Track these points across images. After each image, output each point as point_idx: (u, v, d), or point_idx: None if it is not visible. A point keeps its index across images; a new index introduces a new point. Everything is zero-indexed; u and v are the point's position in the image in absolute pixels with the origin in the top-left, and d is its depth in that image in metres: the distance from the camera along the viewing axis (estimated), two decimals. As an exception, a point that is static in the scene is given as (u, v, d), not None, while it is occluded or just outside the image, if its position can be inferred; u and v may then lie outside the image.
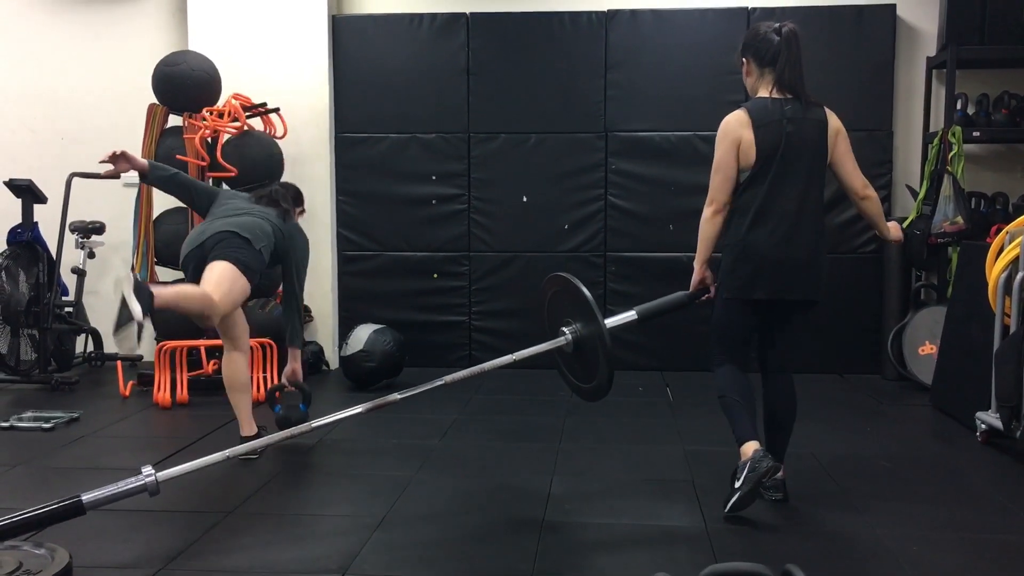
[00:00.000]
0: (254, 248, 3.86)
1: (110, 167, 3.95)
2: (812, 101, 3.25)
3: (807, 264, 3.23)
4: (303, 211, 4.42)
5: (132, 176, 4.20)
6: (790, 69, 3.21)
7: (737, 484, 3.11)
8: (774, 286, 3.21)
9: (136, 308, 3.30)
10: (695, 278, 3.43)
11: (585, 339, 3.21)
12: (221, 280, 3.72)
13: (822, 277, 3.27)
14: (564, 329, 3.29)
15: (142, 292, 3.34)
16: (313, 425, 3.06)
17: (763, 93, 3.28)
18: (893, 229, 3.52)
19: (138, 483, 2.72)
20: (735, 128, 3.23)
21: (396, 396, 3.12)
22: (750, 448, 3.13)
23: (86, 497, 2.66)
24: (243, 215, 3.98)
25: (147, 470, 2.75)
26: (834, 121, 3.30)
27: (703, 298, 3.47)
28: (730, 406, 3.26)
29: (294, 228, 4.17)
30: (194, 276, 3.90)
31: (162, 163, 4.22)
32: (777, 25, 3.23)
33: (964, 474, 3.74)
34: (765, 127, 3.20)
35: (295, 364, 4.22)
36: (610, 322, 3.17)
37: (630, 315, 3.35)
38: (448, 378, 3.22)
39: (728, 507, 3.13)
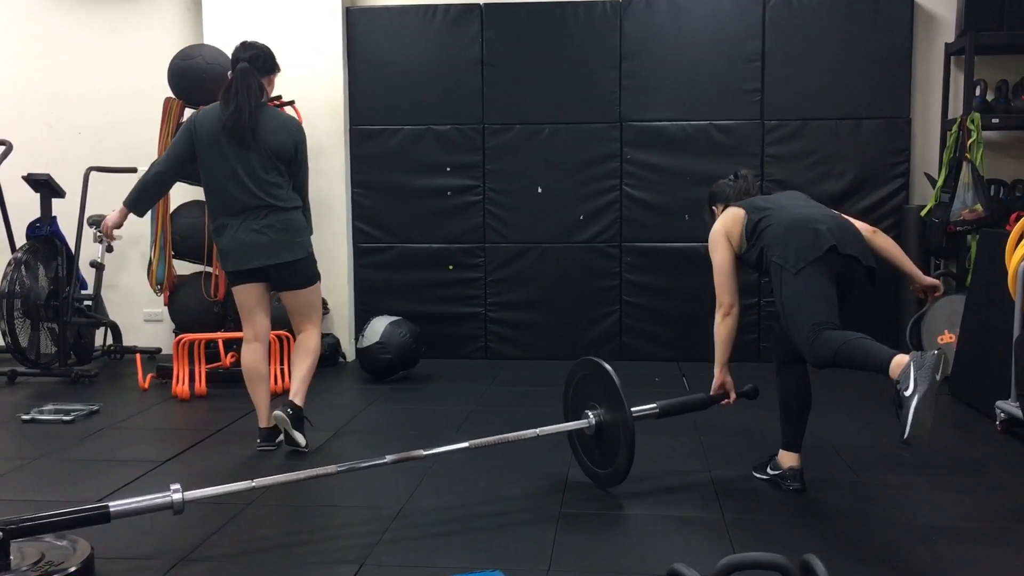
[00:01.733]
0: (311, 256, 4.00)
1: (115, 236, 4.12)
2: None
3: (848, 231, 3.20)
4: (279, 70, 4.01)
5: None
6: (747, 192, 3.56)
7: (908, 391, 2.53)
8: (834, 239, 3.11)
9: (299, 438, 3.85)
10: (716, 382, 3.50)
11: (608, 425, 3.27)
12: (311, 308, 4.06)
13: (867, 247, 3.24)
14: (588, 412, 3.34)
15: (298, 419, 3.89)
16: (338, 470, 3.07)
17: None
18: (930, 279, 3.44)
19: (164, 499, 2.76)
20: (719, 228, 3.41)
21: (421, 452, 3.18)
22: (903, 358, 2.64)
23: (113, 506, 2.69)
24: (271, 212, 3.83)
25: (175, 487, 2.78)
26: None
27: (722, 403, 3.55)
28: (852, 347, 2.87)
29: (306, 146, 3.99)
30: (240, 282, 3.93)
31: (136, 184, 3.98)
32: (731, 176, 3.63)
33: (984, 463, 3.71)
34: (746, 201, 3.44)
35: None
36: (634, 412, 3.22)
37: (652, 408, 3.44)
38: (472, 443, 3.27)
39: (908, 429, 2.51)
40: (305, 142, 3.99)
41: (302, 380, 3.96)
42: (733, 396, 3.54)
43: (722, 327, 3.40)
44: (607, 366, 3.28)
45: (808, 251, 3.11)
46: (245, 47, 3.89)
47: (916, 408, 2.50)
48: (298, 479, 3.10)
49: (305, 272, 3.98)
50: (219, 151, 3.81)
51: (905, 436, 2.51)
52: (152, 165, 4.03)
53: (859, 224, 3.38)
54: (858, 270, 3.20)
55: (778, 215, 3.25)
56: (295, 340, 4.11)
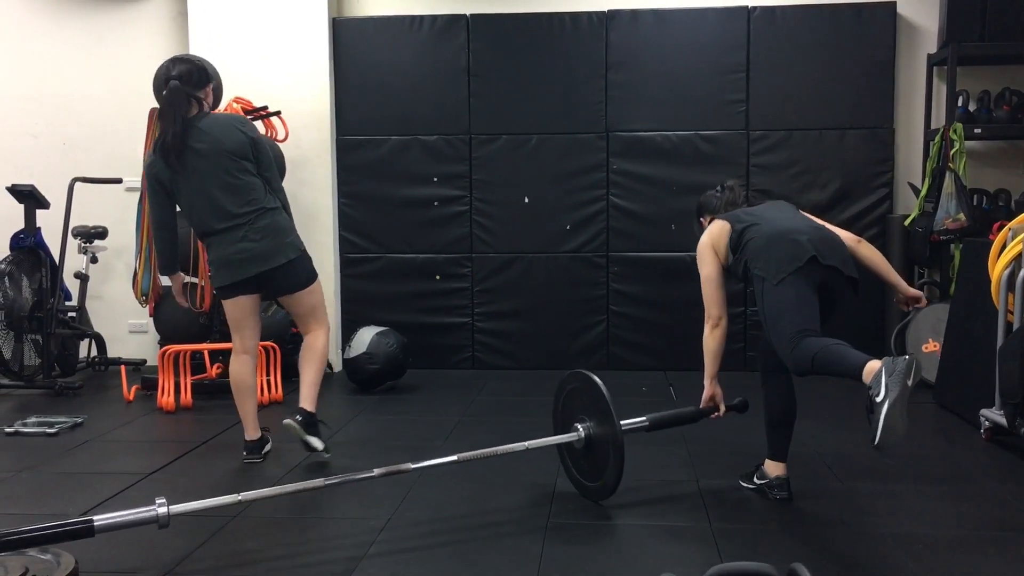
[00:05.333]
0: (305, 253, 3.96)
1: (186, 299, 4.25)
2: None
3: (830, 242, 3.21)
4: (213, 80, 3.87)
5: (134, 181, 4.19)
6: (734, 203, 3.57)
7: (879, 397, 2.53)
8: (815, 250, 3.11)
9: (315, 443, 3.81)
10: (706, 394, 3.48)
11: (597, 438, 3.26)
12: (317, 307, 4.01)
13: (849, 258, 3.24)
14: (578, 425, 3.32)
15: (311, 423, 3.83)
16: (326, 483, 3.05)
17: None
18: (913, 291, 3.40)
19: (149, 513, 2.74)
20: (706, 241, 3.42)
21: (409, 466, 3.16)
22: (875, 364, 2.64)
23: (98, 520, 2.67)
24: (256, 217, 3.77)
25: (160, 501, 2.76)
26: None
27: (712, 416, 3.54)
28: (828, 353, 2.88)
29: (264, 142, 3.94)
30: (233, 294, 3.85)
31: (155, 252, 4.31)
32: (718, 187, 3.65)
33: (968, 471, 3.73)
34: (731, 213, 3.45)
35: None
36: (623, 425, 3.21)
37: (642, 421, 3.44)
38: (460, 456, 3.26)
39: (878, 435, 2.54)
40: (257, 133, 3.91)
41: (311, 385, 3.91)
42: (723, 409, 3.53)
43: (711, 339, 3.41)
44: (597, 379, 3.25)
45: (788, 262, 3.13)
46: (174, 62, 3.81)
47: (887, 414, 2.50)
48: (285, 492, 3.09)
49: (304, 271, 3.94)
50: (181, 175, 3.75)
51: (876, 442, 2.53)
52: (152, 225, 4.07)
53: (843, 234, 3.38)
54: (839, 280, 3.20)
55: (761, 228, 3.26)
56: (279, 354, 4.08)
